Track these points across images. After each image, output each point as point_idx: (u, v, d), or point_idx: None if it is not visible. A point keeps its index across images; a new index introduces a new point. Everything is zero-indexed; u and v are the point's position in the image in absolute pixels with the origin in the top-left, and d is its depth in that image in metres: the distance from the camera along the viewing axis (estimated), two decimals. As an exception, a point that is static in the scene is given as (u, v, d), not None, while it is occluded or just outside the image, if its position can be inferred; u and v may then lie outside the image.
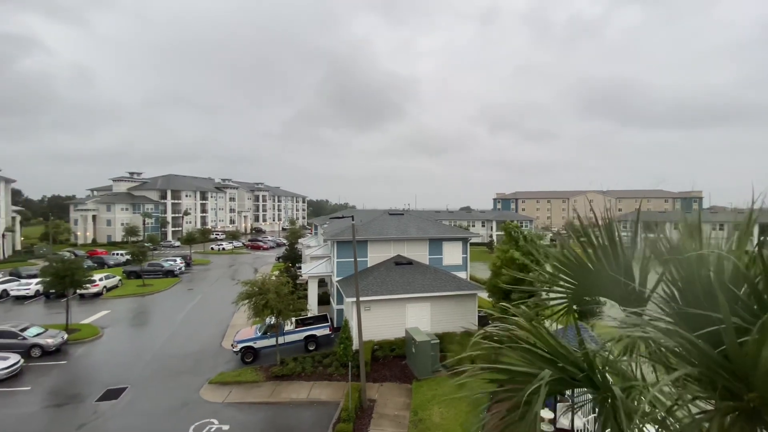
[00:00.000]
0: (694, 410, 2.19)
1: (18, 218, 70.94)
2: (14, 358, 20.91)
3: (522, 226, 26.48)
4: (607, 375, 2.47)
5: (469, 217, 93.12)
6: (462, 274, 27.72)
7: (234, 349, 22.00)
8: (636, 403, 2.33)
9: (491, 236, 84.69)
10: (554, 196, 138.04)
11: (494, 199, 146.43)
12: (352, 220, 20.02)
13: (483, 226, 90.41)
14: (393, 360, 21.17)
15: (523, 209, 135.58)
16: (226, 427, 15.61)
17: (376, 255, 27.06)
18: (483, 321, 25.41)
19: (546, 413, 13.87)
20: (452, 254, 28.74)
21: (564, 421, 14.09)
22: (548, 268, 3.43)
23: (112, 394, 18.42)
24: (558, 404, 14.43)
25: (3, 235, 62.35)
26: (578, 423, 13.78)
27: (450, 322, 23.64)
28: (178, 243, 79.97)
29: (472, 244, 34.61)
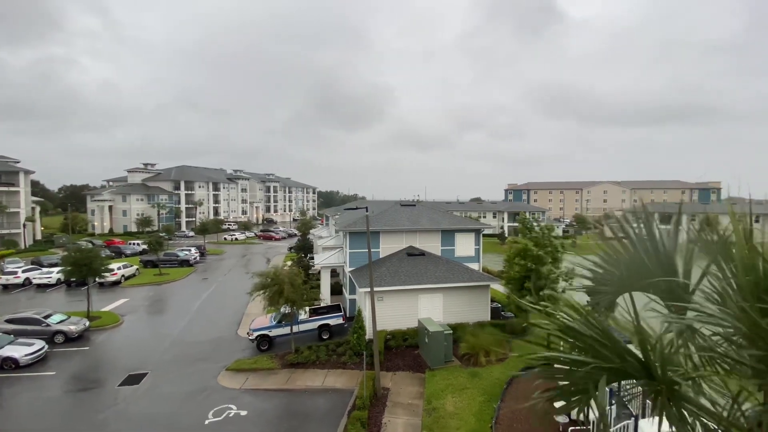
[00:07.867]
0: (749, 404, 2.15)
1: (38, 208, 72.73)
2: (39, 344, 21.63)
3: (533, 217, 26.06)
4: (666, 366, 2.42)
5: (480, 209, 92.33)
6: (475, 266, 27.63)
7: (250, 337, 22.41)
8: (696, 395, 2.28)
9: (503, 227, 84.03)
10: (567, 187, 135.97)
11: (506, 190, 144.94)
12: (366, 211, 20.00)
13: (494, 217, 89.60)
14: (406, 350, 21.30)
15: (536, 200, 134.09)
16: (244, 413, 15.98)
17: (388, 246, 27.12)
18: (495, 312, 25.37)
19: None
20: (465, 245, 28.62)
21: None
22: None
23: (133, 380, 18.98)
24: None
25: (24, 225, 64.12)
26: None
27: (463, 313, 23.67)
28: (191, 233, 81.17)
29: (483, 236, 34.38)
